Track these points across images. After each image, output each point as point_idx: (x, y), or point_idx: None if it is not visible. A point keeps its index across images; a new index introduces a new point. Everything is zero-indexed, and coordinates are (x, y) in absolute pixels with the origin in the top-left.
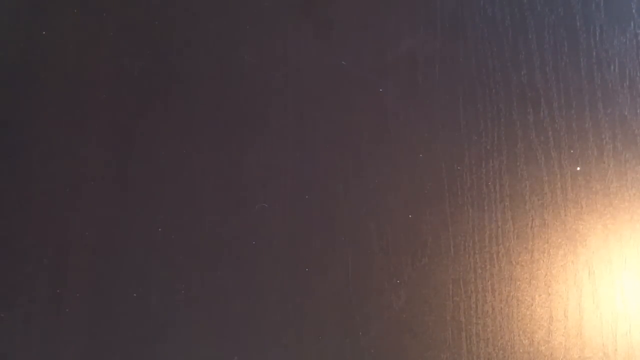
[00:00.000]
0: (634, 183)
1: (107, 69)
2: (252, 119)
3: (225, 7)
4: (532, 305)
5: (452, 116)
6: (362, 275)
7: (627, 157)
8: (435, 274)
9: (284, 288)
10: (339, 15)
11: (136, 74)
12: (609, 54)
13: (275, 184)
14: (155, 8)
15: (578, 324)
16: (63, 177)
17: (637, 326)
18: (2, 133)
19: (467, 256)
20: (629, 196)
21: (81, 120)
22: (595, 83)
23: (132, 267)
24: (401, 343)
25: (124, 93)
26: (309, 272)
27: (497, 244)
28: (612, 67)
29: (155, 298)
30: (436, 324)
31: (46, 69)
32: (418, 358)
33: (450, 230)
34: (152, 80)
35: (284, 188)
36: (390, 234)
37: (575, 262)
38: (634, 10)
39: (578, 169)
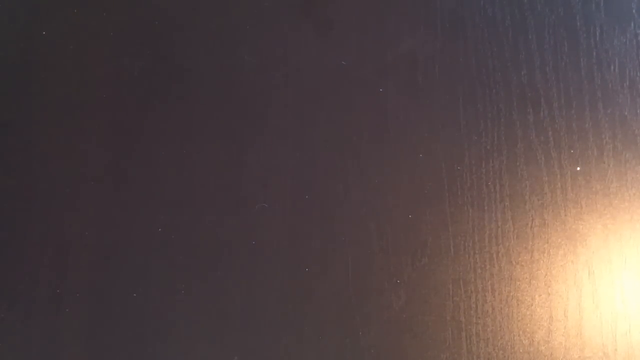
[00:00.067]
0: (634, 183)
1: (107, 69)
2: (252, 119)
3: (225, 7)
4: (532, 305)
5: (452, 116)
6: (362, 275)
7: (627, 157)
8: (435, 274)
9: (284, 288)
10: (339, 15)
11: (136, 74)
12: (609, 54)
13: (275, 184)
14: (155, 8)
15: (578, 324)
16: (63, 177)
17: (636, 326)
18: (2, 133)
19: (467, 256)
20: (629, 196)
21: (81, 120)
22: (595, 83)
23: (132, 267)
24: (401, 343)
25: (124, 93)
26: (309, 272)
27: (497, 244)
28: (612, 67)
29: (155, 298)
30: (436, 324)
31: (46, 69)
32: (418, 358)
33: (450, 230)
34: (152, 80)
35: (284, 188)
36: (390, 234)
37: (575, 262)
38: (634, 10)
39: (578, 169)
